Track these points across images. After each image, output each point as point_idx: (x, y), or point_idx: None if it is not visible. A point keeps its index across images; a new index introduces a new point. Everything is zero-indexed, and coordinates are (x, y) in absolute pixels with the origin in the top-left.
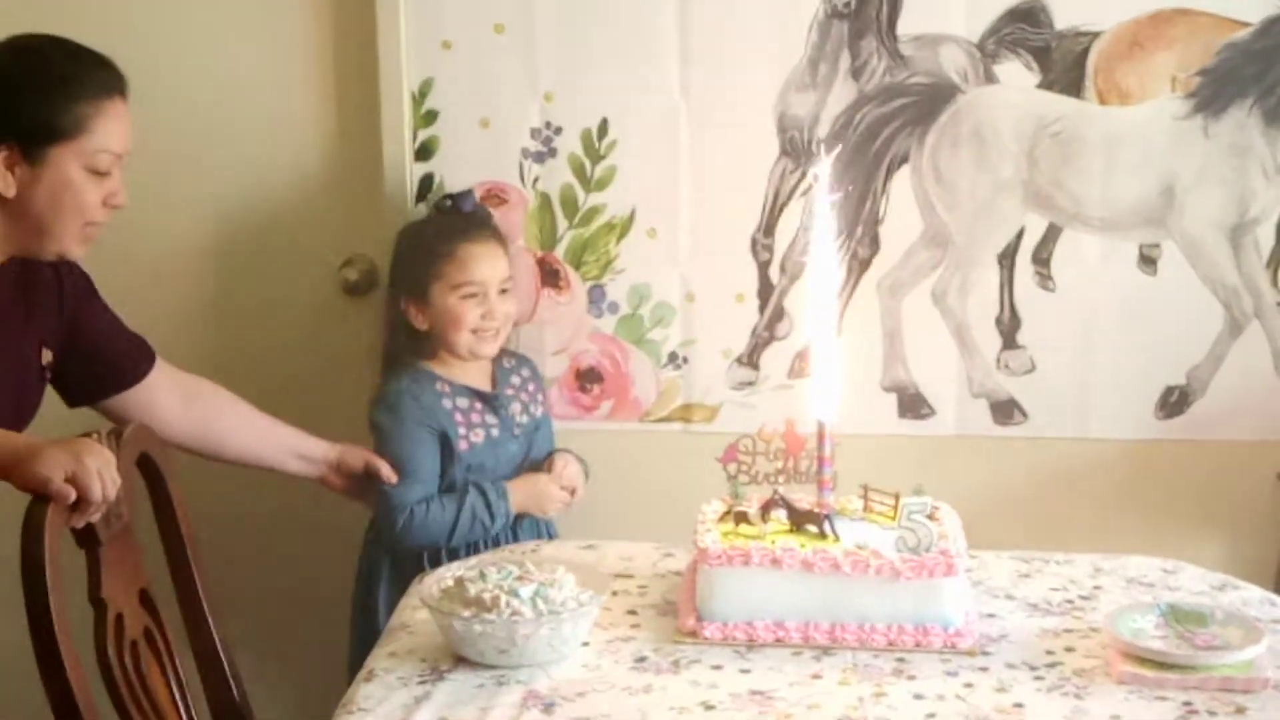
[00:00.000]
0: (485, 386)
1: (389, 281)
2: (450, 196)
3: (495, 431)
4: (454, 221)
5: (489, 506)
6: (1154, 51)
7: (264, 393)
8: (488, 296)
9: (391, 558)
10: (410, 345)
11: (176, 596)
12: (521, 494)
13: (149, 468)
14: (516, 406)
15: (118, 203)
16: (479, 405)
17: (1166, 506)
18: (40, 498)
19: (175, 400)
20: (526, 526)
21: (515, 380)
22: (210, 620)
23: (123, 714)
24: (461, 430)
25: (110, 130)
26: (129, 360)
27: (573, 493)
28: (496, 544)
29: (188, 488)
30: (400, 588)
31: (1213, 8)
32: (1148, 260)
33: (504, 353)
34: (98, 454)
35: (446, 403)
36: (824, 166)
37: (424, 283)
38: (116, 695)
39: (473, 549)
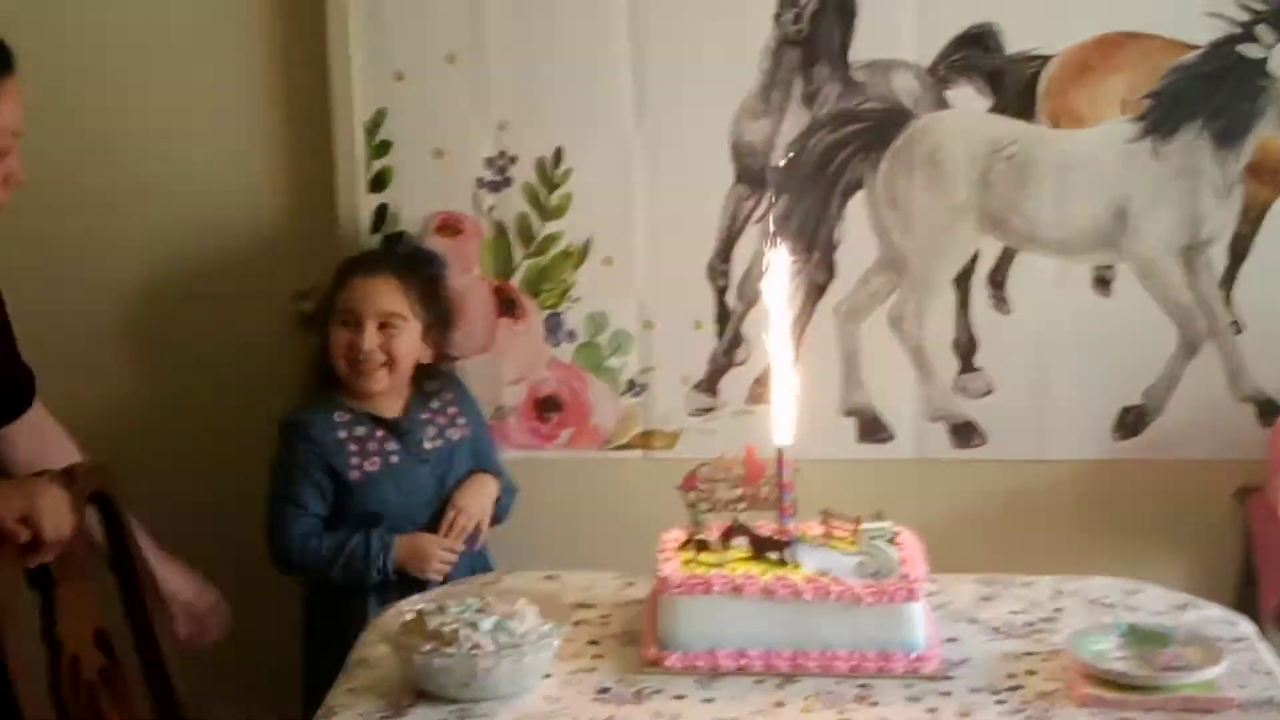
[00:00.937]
0: (393, 413)
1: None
2: (388, 236)
3: (395, 459)
4: (366, 257)
5: (367, 555)
6: (1104, 75)
7: (216, 426)
8: (361, 326)
9: (328, 587)
10: (324, 376)
11: (132, 635)
12: (405, 550)
13: (104, 505)
14: (430, 430)
15: (17, 180)
16: (379, 433)
17: (1126, 526)
18: None
19: (29, 456)
20: (462, 562)
21: (434, 404)
22: (165, 658)
23: None
24: (354, 460)
25: (5, 109)
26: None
27: (473, 537)
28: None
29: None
30: (339, 617)
31: (1161, 31)
32: (1102, 282)
33: (429, 372)
34: (50, 494)
35: (341, 432)
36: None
37: (324, 313)
38: None
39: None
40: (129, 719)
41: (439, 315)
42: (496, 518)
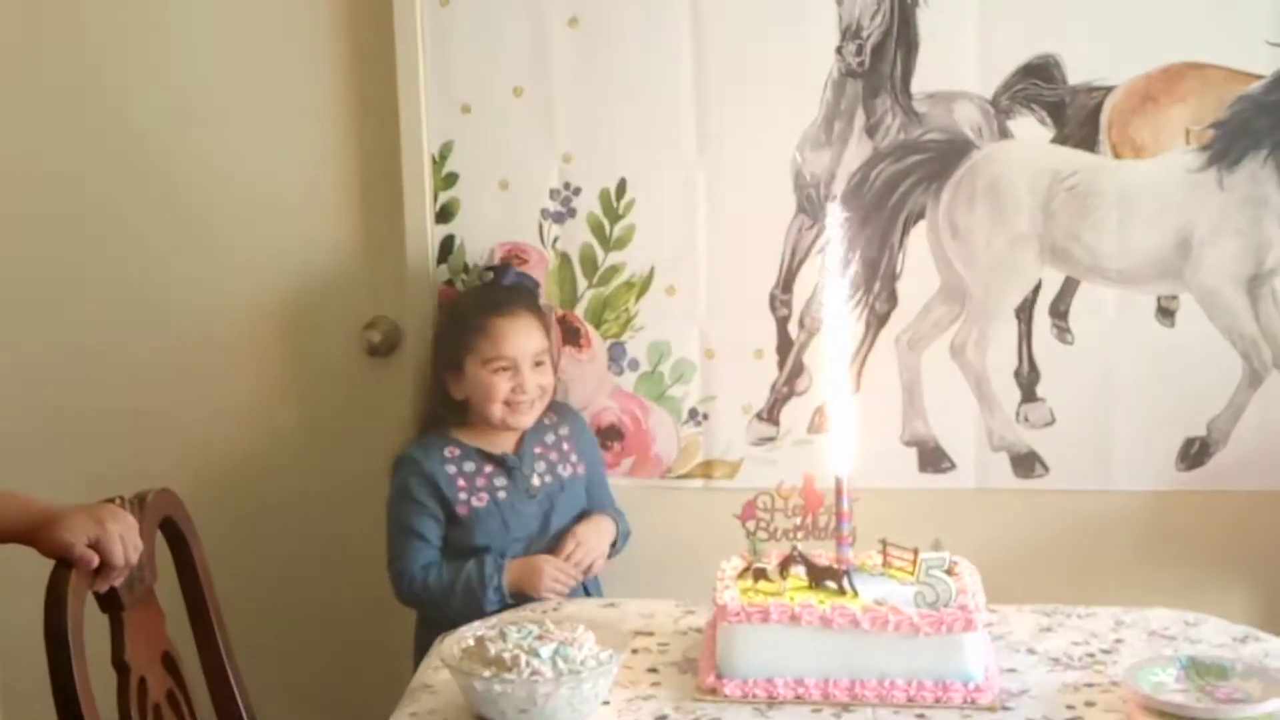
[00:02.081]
0: (505, 449)
1: (431, 351)
2: (491, 268)
3: (504, 494)
4: (491, 294)
5: (482, 578)
6: (1167, 105)
7: (288, 453)
8: (519, 370)
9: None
10: (445, 413)
11: (200, 660)
12: (518, 570)
13: (172, 531)
14: (541, 466)
15: None
16: (488, 468)
17: (1189, 558)
18: (63, 563)
19: None
20: (575, 592)
21: (549, 439)
22: (234, 683)
23: None
24: (463, 495)
25: None
26: None
27: (587, 570)
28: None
29: (211, 551)
30: None
31: (1224, 61)
32: (1165, 312)
33: (546, 410)
34: (120, 519)
35: (450, 467)
36: (834, 223)
37: (458, 355)
38: None
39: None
40: None
41: (554, 337)
42: (613, 553)
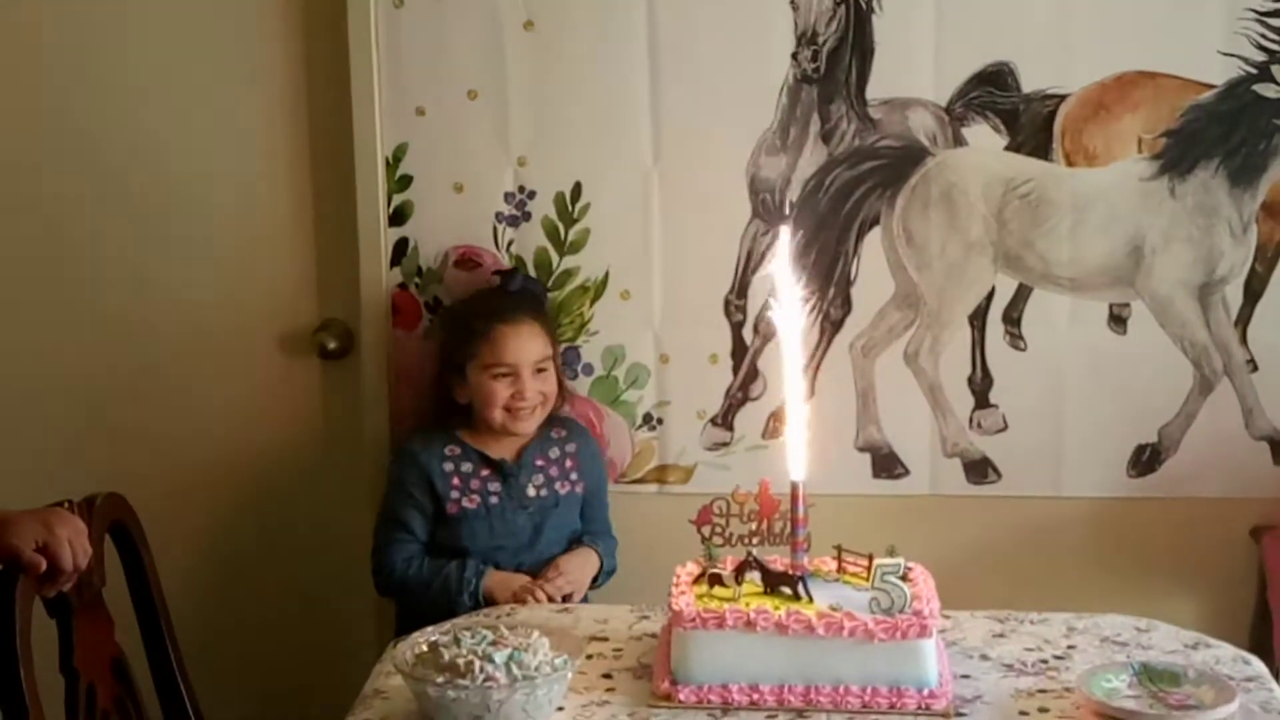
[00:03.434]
0: (506, 455)
1: (437, 354)
2: (499, 273)
3: (495, 500)
4: (495, 301)
5: (461, 581)
6: (1120, 114)
7: (240, 457)
8: (520, 376)
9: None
10: (448, 415)
11: (149, 665)
12: (497, 581)
13: (121, 536)
14: (539, 479)
15: None
16: (485, 472)
17: (1140, 564)
18: (11, 567)
19: None
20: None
21: (553, 453)
22: (183, 689)
23: None
24: (455, 494)
25: None
26: None
27: (565, 601)
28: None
29: (163, 556)
30: None
31: (1177, 70)
32: (1118, 319)
33: (557, 421)
34: (69, 523)
35: (448, 465)
36: (787, 230)
37: (461, 360)
38: None
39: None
40: None
41: (557, 342)
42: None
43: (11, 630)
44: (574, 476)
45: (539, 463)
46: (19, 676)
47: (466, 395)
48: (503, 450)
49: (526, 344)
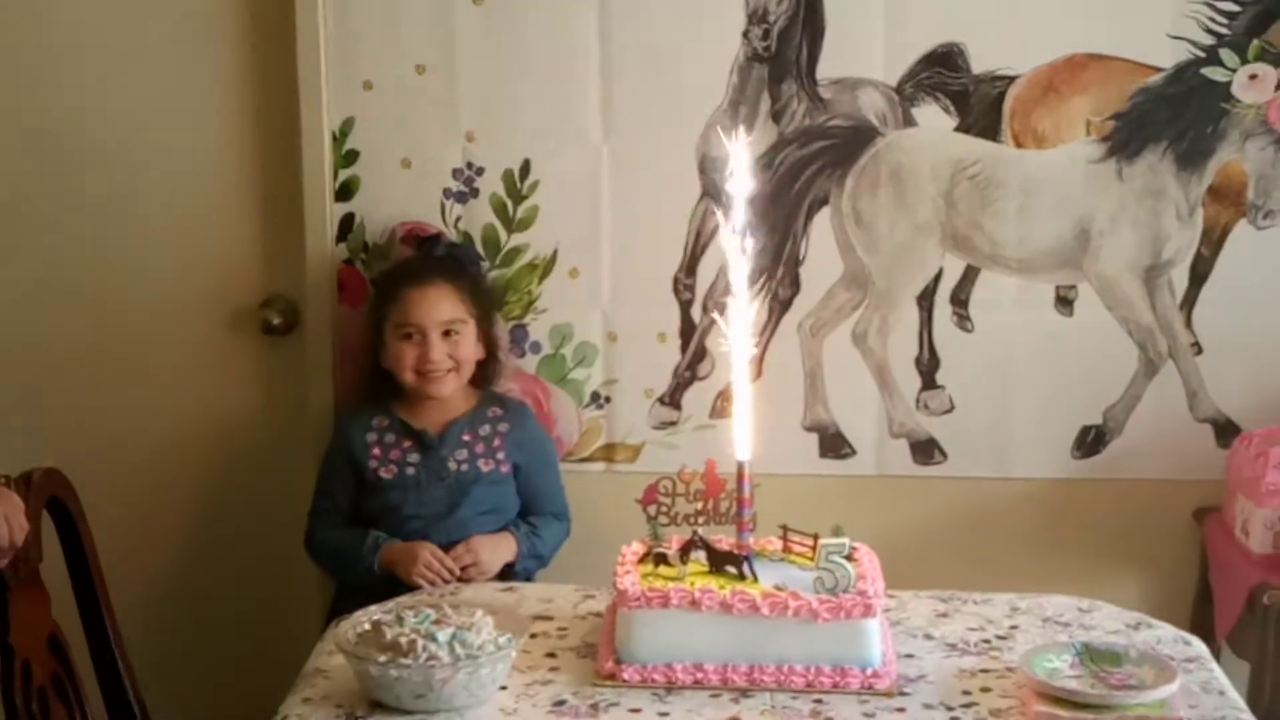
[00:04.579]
0: (430, 427)
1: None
2: (424, 239)
3: (413, 470)
4: (412, 265)
5: (359, 551)
6: (1069, 96)
7: (184, 432)
8: (426, 338)
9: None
10: (386, 387)
11: (86, 641)
12: (397, 551)
13: (59, 512)
14: (461, 454)
15: None
16: (407, 443)
17: (1085, 545)
18: None
19: None
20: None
21: (482, 430)
22: (120, 664)
23: None
24: (374, 463)
25: None
26: None
27: (463, 577)
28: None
29: (103, 533)
30: None
31: (1126, 53)
32: (1064, 301)
33: (496, 400)
34: (5, 499)
35: (372, 435)
36: (740, 206)
37: (379, 323)
38: None
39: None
40: None
41: (489, 310)
42: (513, 574)
43: None
44: (500, 455)
45: (465, 438)
46: None
47: (386, 360)
48: (429, 422)
49: (434, 305)
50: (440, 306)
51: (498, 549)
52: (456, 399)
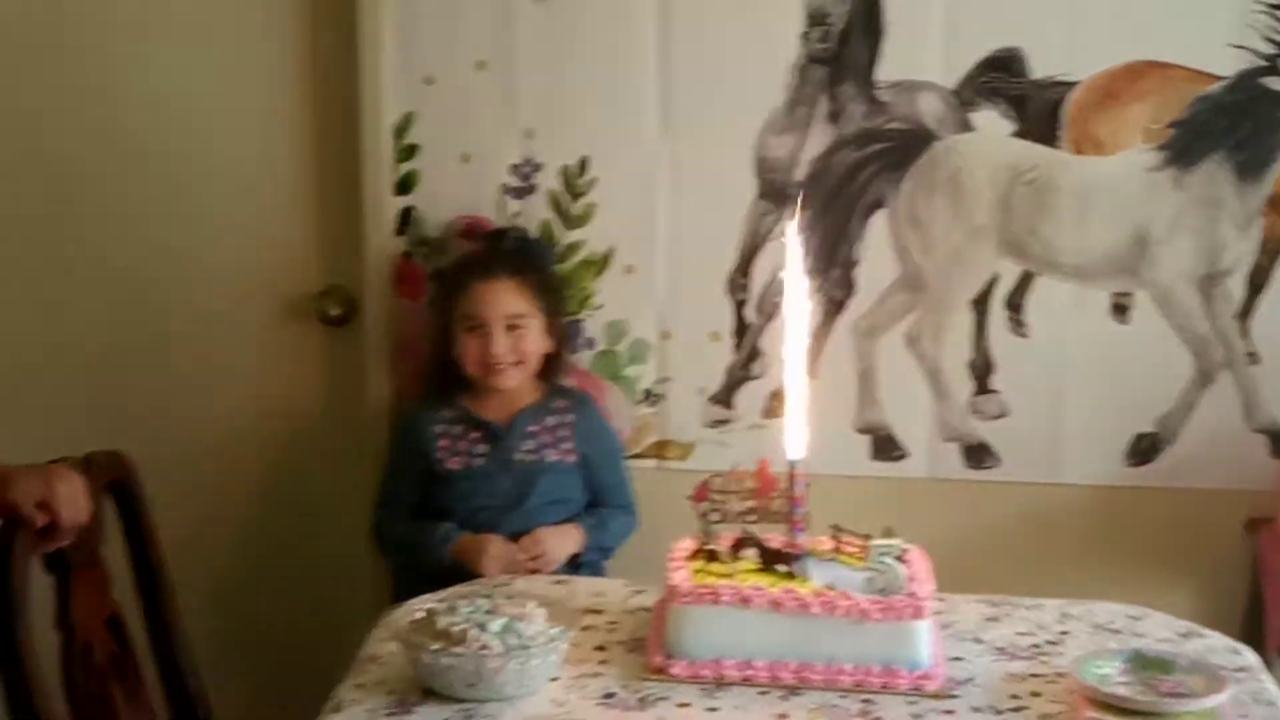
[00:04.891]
0: (498, 419)
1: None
2: (494, 232)
3: (481, 461)
4: (479, 257)
5: (430, 545)
6: (1128, 103)
7: (243, 421)
8: (490, 332)
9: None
10: (455, 379)
11: (144, 623)
12: (467, 543)
13: (122, 494)
14: (529, 444)
15: None
16: (474, 434)
17: (1135, 553)
18: (10, 523)
19: None
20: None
21: (549, 421)
22: (177, 646)
23: None
24: (441, 455)
25: None
26: None
27: (533, 568)
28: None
29: (164, 519)
30: None
31: (1186, 61)
32: (1120, 309)
33: (563, 392)
34: (69, 480)
35: (439, 427)
36: (796, 209)
37: (447, 317)
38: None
39: None
40: (139, 705)
41: (556, 305)
42: (579, 566)
43: (9, 585)
44: (567, 446)
45: (532, 429)
46: (16, 631)
47: (455, 351)
48: (496, 414)
49: (498, 299)
50: (504, 300)
51: (564, 541)
52: (523, 391)
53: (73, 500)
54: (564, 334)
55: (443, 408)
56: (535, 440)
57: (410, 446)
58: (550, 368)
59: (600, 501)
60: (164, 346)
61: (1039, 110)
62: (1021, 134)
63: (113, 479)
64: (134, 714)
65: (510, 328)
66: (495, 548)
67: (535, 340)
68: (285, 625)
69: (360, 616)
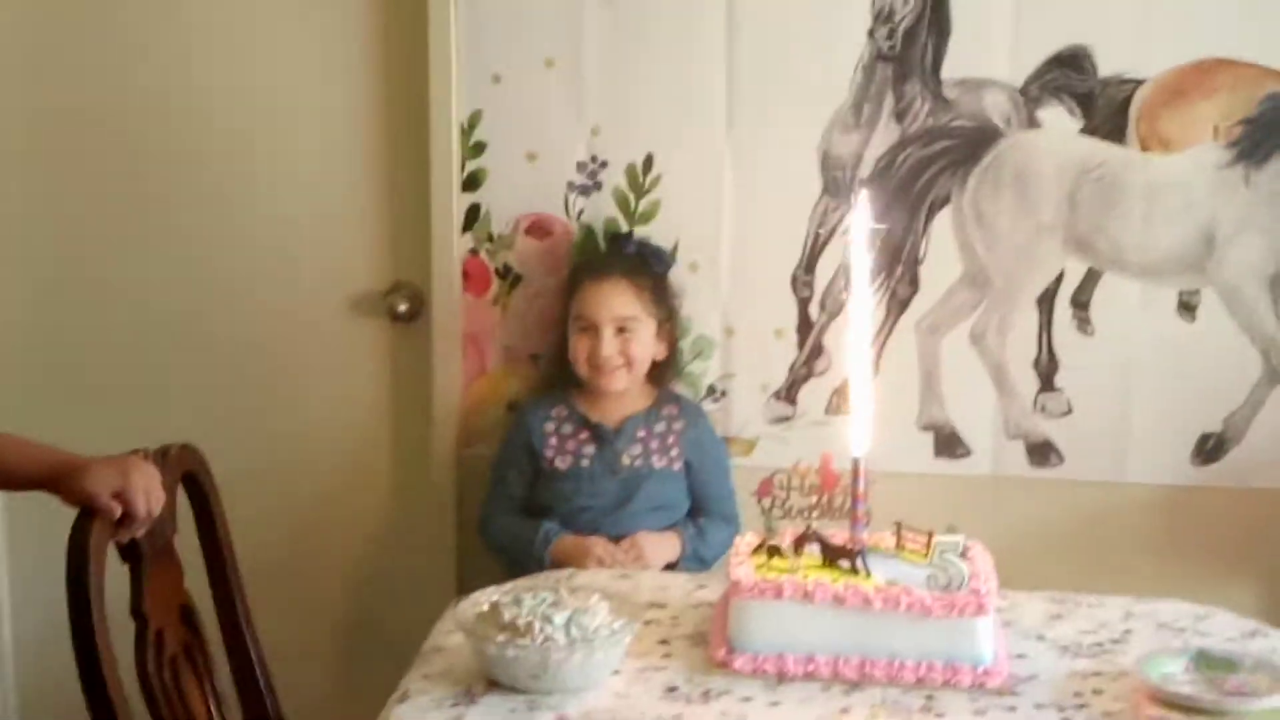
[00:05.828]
0: (608, 421)
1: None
2: (617, 236)
3: (587, 462)
4: (597, 259)
5: (532, 544)
6: (1197, 100)
7: (310, 416)
8: (598, 333)
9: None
10: (563, 374)
11: (216, 613)
12: (569, 544)
13: (194, 487)
14: (636, 449)
15: None
16: (583, 434)
17: (1201, 553)
18: (86, 512)
19: None
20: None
21: (657, 427)
22: (248, 636)
23: None
24: (550, 452)
25: None
26: None
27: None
28: None
29: (231, 512)
30: None
31: (1256, 58)
32: (1187, 307)
33: (673, 398)
34: (144, 471)
35: (549, 425)
36: (861, 205)
37: (565, 315)
38: (155, 709)
39: None
40: (210, 693)
41: (669, 311)
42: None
43: (85, 574)
44: (674, 454)
45: (640, 433)
46: (91, 619)
47: (569, 352)
48: (607, 416)
49: (608, 300)
50: (614, 302)
51: (661, 547)
52: (634, 394)
53: (147, 491)
54: (676, 341)
55: (555, 405)
56: (643, 445)
57: (521, 441)
58: (661, 374)
59: (702, 510)
60: (235, 341)
61: (1107, 108)
62: (1088, 131)
63: (185, 471)
64: (205, 702)
65: (620, 330)
66: (598, 551)
67: (645, 344)
68: (353, 616)
69: (427, 608)
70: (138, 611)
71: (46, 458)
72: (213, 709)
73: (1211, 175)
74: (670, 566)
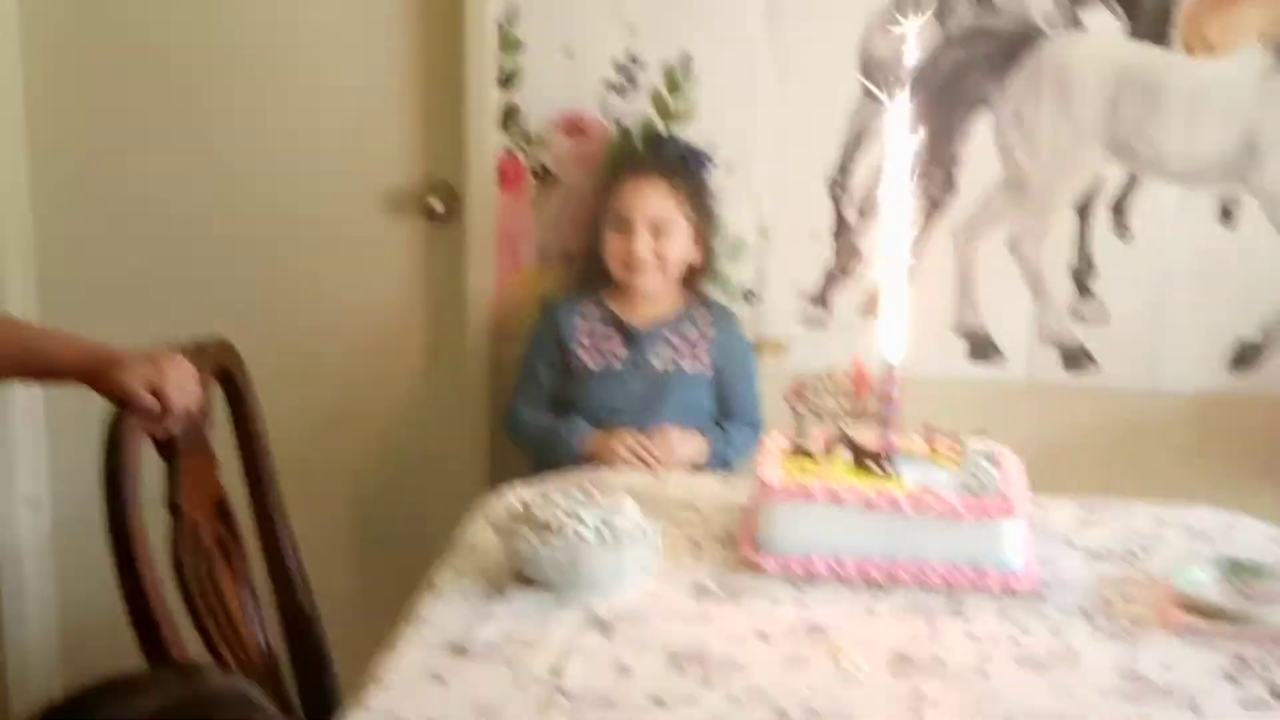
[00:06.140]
0: (639, 323)
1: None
2: (658, 135)
3: (619, 364)
4: (635, 158)
5: (560, 434)
6: (1243, 4)
7: (345, 316)
8: (634, 232)
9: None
10: (596, 270)
11: (250, 507)
12: (598, 442)
13: (229, 384)
14: (665, 352)
15: None
16: (616, 336)
17: (1233, 460)
18: (122, 406)
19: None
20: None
21: (689, 332)
22: (281, 530)
23: (195, 617)
24: (581, 351)
25: None
26: None
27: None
28: None
29: (265, 403)
30: None
31: None
32: (1226, 213)
33: (705, 303)
34: (180, 366)
35: (582, 323)
36: (900, 106)
37: (601, 213)
38: (189, 598)
39: None
40: (243, 585)
41: (706, 215)
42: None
43: (120, 467)
44: (705, 359)
45: (671, 337)
46: (125, 510)
47: (603, 249)
48: (638, 318)
49: (646, 199)
50: (650, 201)
51: (686, 442)
52: (665, 298)
53: (183, 385)
54: (710, 246)
55: (588, 303)
56: (673, 349)
57: (552, 336)
58: (695, 278)
59: (728, 415)
60: (270, 240)
61: (1151, 10)
62: (1132, 34)
63: (221, 367)
64: (239, 594)
65: (655, 230)
66: (623, 444)
67: (679, 246)
68: (385, 511)
69: (459, 502)
70: (173, 504)
71: (83, 350)
72: (246, 598)
73: (1256, 82)
74: (695, 467)
